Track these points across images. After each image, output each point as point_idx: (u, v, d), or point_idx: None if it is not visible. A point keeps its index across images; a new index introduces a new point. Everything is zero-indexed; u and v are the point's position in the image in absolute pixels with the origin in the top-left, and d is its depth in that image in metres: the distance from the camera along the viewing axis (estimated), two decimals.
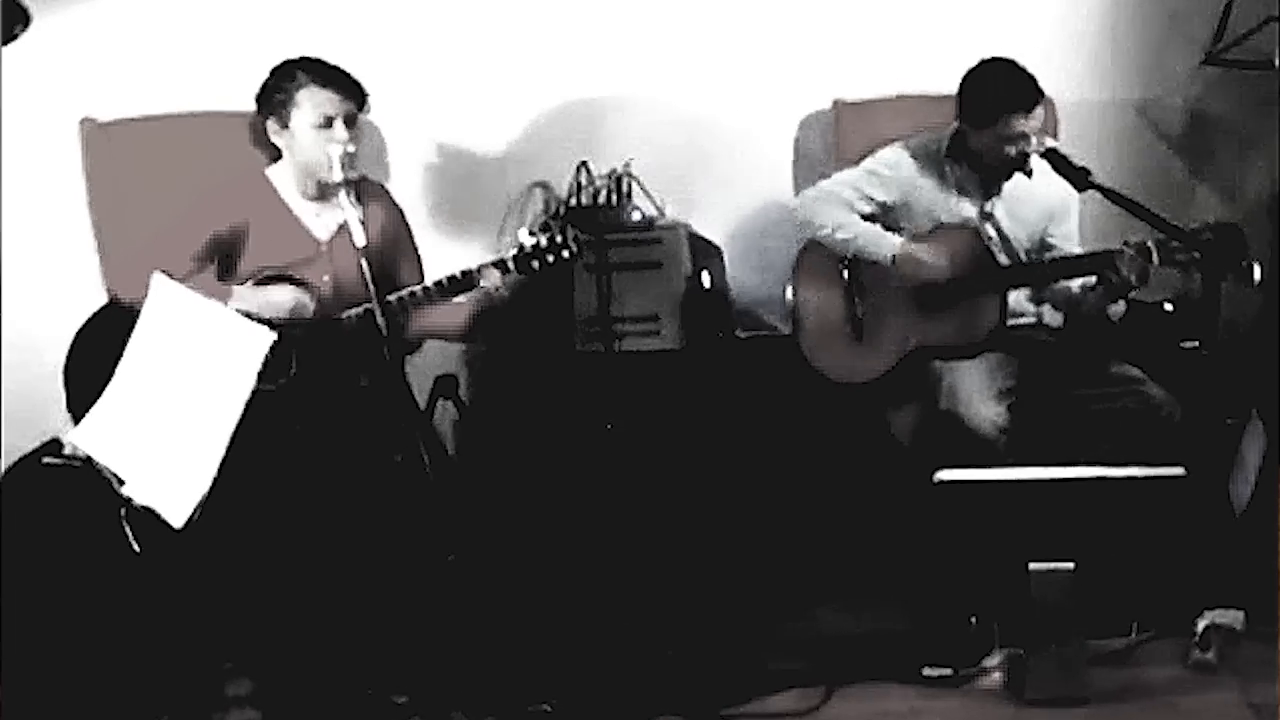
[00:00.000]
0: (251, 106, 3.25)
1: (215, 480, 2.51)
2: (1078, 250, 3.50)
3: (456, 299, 3.16)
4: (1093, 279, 3.36)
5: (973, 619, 3.13)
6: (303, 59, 3.19)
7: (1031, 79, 3.34)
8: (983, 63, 3.42)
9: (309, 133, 3.12)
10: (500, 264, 3.09)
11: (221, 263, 3.20)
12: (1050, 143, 3.34)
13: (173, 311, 2.68)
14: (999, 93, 3.35)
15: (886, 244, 3.46)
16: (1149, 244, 3.23)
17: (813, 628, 3.39)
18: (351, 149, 3.09)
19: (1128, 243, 3.25)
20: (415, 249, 3.41)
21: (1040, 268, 3.51)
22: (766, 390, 3.73)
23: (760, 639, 3.32)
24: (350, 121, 3.14)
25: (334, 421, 3.09)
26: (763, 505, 3.65)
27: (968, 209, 3.51)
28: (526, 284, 3.18)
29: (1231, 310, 3.31)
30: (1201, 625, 3.18)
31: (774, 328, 3.92)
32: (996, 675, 3.10)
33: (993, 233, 3.50)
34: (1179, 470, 3.00)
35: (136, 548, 2.77)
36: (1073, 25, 4.09)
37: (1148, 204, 3.24)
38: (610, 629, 3.26)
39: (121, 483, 2.63)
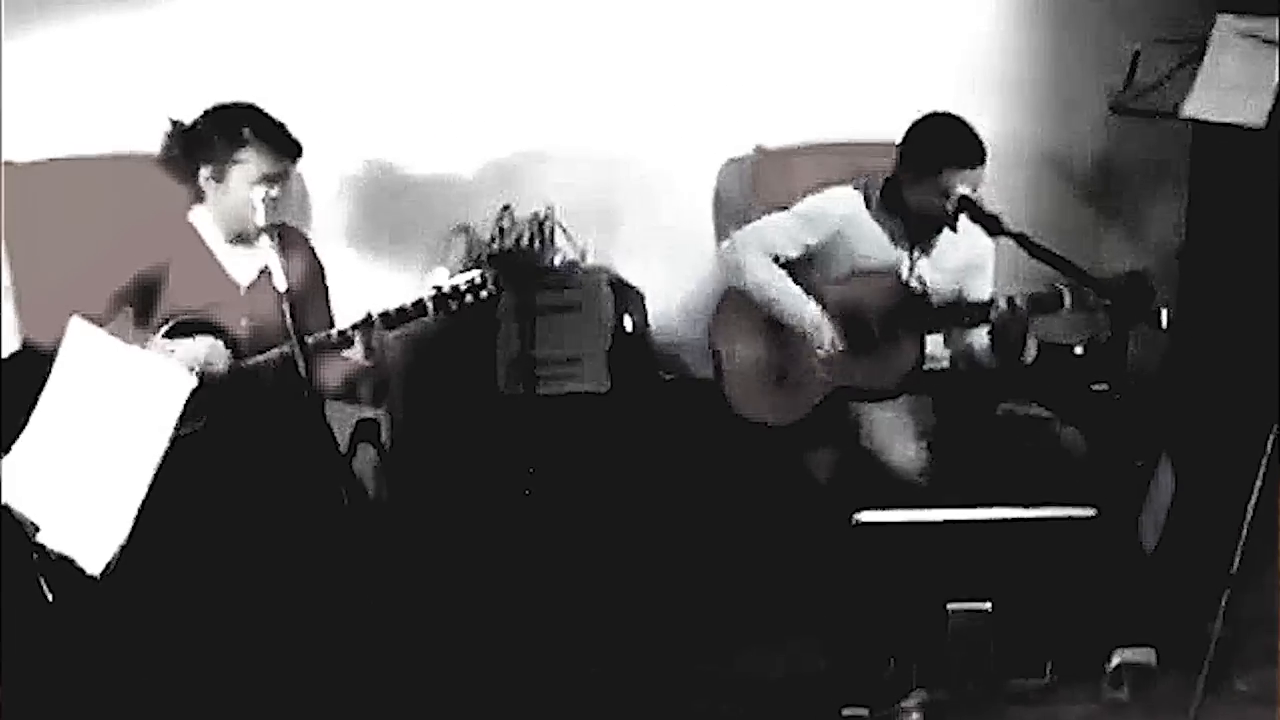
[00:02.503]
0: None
1: (133, 527, 2.48)
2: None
3: (347, 352, 3.13)
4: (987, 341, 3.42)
5: (891, 660, 3.16)
6: (245, 108, 3.14)
7: (978, 138, 3.39)
8: (931, 115, 3.46)
9: (244, 189, 3.09)
10: (418, 305, 3.08)
11: (140, 305, 3.17)
12: (964, 189, 3.38)
13: (90, 355, 2.65)
14: (947, 145, 3.39)
15: (807, 313, 3.47)
16: (1062, 291, 3.28)
17: (735, 669, 3.40)
18: (275, 194, 3.08)
19: (1010, 298, 3.31)
20: (328, 297, 3.38)
21: (938, 313, 3.54)
22: (688, 432, 3.76)
23: (683, 680, 3.33)
24: (286, 178, 3.14)
25: (254, 466, 3.06)
26: (684, 547, 3.67)
27: (893, 257, 3.54)
28: (449, 329, 3.18)
29: (1140, 353, 3.39)
30: (1114, 663, 3.24)
31: (695, 370, 3.95)
32: (915, 716, 3.13)
33: (914, 282, 3.54)
34: (1090, 511, 3.06)
35: (50, 596, 2.73)
36: (985, 76, 4.20)
37: (1059, 250, 3.31)
38: (536, 673, 3.26)
39: (36, 529, 2.59)
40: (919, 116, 3.47)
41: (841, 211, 3.55)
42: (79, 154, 3.60)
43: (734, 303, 3.61)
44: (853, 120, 3.98)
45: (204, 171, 3.15)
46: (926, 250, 3.54)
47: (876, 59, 4.13)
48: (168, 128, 3.18)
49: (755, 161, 4.03)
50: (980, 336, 3.50)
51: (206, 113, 3.17)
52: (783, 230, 3.55)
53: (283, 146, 3.12)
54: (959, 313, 3.53)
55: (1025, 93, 4.26)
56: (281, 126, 3.14)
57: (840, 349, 3.45)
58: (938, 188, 3.38)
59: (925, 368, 3.51)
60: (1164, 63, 3.93)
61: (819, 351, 3.46)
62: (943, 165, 3.36)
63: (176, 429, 2.48)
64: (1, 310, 3.51)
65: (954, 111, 3.43)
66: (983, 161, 3.37)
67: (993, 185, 3.62)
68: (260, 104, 3.17)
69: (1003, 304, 3.33)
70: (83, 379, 2.64)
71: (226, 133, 3.12)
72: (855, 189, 3.57)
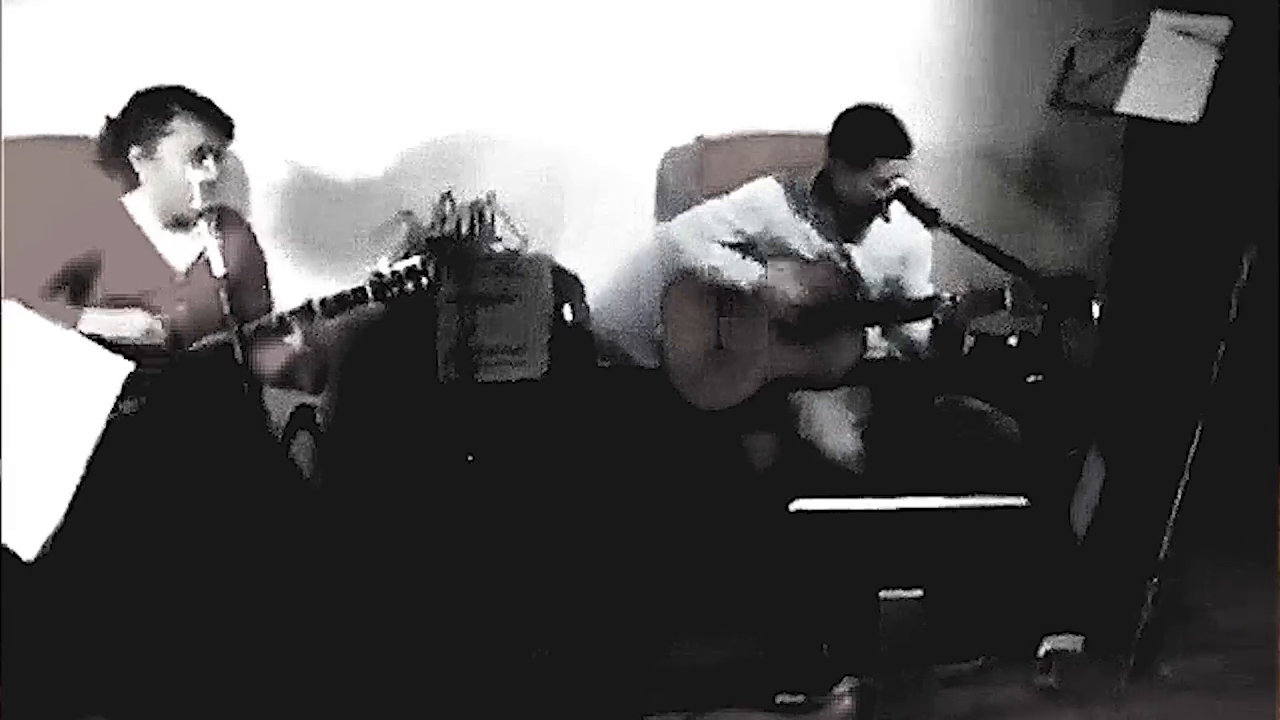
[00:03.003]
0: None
1: (66, 513, 2.47)
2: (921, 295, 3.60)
3: (287, 339, 3.13)
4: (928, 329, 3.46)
5: (825, 646, 3.19)
6: (174, 88, 3.13)
7: (901, 127, 3.42)
8: (858, 106, 3.49)
9: (177, 164, 3.07)
10: (359, 292, 3.08)
11: (73, 290, 3.14)
12: (902, 182, 3.41)
13: (24, 340, 2.63)
14: (875, 136, 3.42)
15: (751, 271, 3.52)
16: (1003, 289, 3.31)
17: (673, 656, 3.42)
18: (212, 177, 3.06)
19: (953, 295, 3.35)
20: (267, 280, 3.37)
21: (879, 307, 3.59)
22: (627, 420, 3.78)
23: (621, 668, 3.35)
24: (218, 155, 3.11)
25: (191, 453, 3.05)
26: (621, 534, 3.68)
27: (826, 247, 3.58)
28: (388, 315, 3.18)
29: (1072, 344, 3.44)
30: (1043, 650, 3.29)
31: (634, 358, 3.97)
32: (848, 701, 3.17)
33: (847, 271, 3.57)
34: (1022, 500, 3.10)
35: None
36: (925, 70, 4.23)
37: (996, 244, 3.35)
38: (473, 661, 3.27)
39: None
40: (846, 108, 3.50)
41: (773, 200, 3.58)
42: (12, 136, 3.54)
43: (682, 287, 3.63)
44: (794, 110, 3.99)
45: (134, 151, 3.12)
46: (857, 240, 3.58)
47: (818, 50, 4.15)
48: (101, 126, 3.15)
49: (697, 151, 4.04)
50: (919, 329, 3.54)
51: (133, 97, 3.15)
52: (718, 217, 3.60)
53: (212, 119, 3.11)
54: (899, 308, 3.56)
55: (963, 86, 4.29)
56: (209, 101, 3.12)
57: (801, 289, 3.47)
58: (867, 178, 3.42)
59: (864, 357, 3.54)
60: (1100, 57, 3.98)
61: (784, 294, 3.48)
62: (870, 154, 3.40)
63: (114, 414, 2.48)
64: None
65: (885, 103, 3.47)
66: (909, 151, 3.41)
67: (930, 178, 3.67)
68: (196, 86, 3.15)
69: (946, 301, 3.36)
70: (17, 364, 2.62)
71: (154, 110, 3.10)
72: (781, 180, 3.60)
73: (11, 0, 3.59)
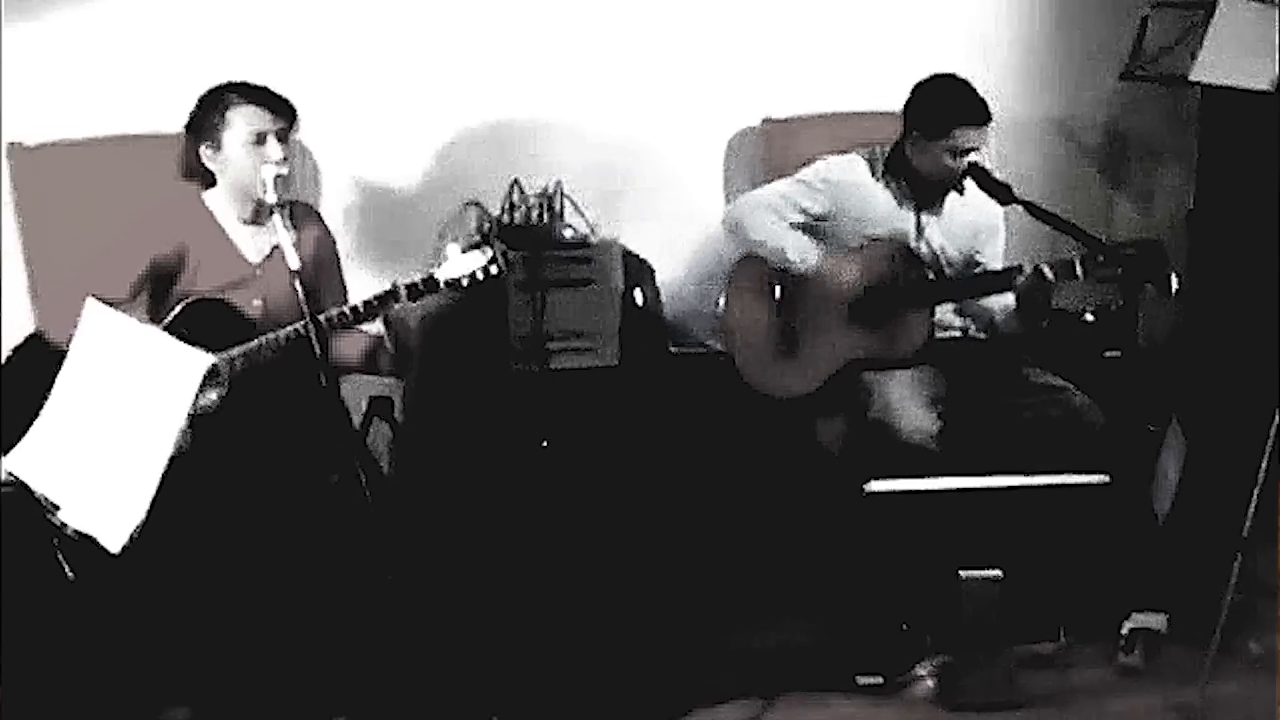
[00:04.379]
0: (179, 128, 3.24)
1: (151, 505, 2.51)
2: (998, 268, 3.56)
3: (363, 326, 3.16)
4: (1012, 304, 3.43)
5: (904, 627, 3.18)
6: (229, 82, 3.19)
7: (978, 95, 3.40)
8: (935, 76, 3.47)
9: (241, 151, 3.12)
10: (429, 280, 3.10)
11: (155, 288, 3.19)
12: (973, 158, 3.40)
13: (106, 336, 2.67)
14: (953, 105, 3.40)
15: (811, 255, 3.50)
16: (1072, 260, 3.29)
17: (749, 639, 3.42)
18: (284, 171, 3.10)
19: (1047, 260, 3.31)
20: (341, 274, 3.41)
21: (959, 283, 3.56)
22: (700, 406, 3.77)
23: (697, 652, 3.35)
24: (282, 138, 3.15)
25: (270, 444, 3.09)
26: (697, 520, 3.68)
27: (901, 223, 3.55)
28: (461, 303, 3.19)
29: (1150, 320, 3.40)
30: (1126, 629, 3.26)
31: (706, 344, 3.96)
32: (928, 682, 3.16)
33: (924, 248, 3.54)
34: (1103, 477, 3.07)
35: (71, 574, 2.76)
36: (995, 45, 4.19)
37: (1069, 219, 3.32)
38: (550, 645, 3.28)
39: (56, 509, 2.62)
40: (923, 78, 3.48)
41: (844, 178, 3.56)
42: (90, 136, 3.59)
43: (746, 274, 3.62)
44: (861, 90, 3.97)
45: (205, 151, 3.18)
46: (934, 214, 3.55)
47: (884, 28, 4.12)
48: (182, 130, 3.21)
49: (763, 132, 4.03)
50: (997, 304, 3.50)
51: (198, 100, 3.21)
52: (784, 196, 3.58)
53: (269, 102, 3.15)
54: (975, 283, 3.53)
55: (1033, 61, 4.24)
56: (263, 88, 3.17)
57: (859, 278, 3.46)
58: (944, 148, 3.40)
59: (936, 336, 3.52)
60: (1172, 28, 3.93)
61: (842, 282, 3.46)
62: (949, 125, 3.38)
63: (193, 407, 2.51)
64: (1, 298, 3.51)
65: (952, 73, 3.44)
66: (988, 120, 3.39)
67: (1003, 154, 3.63)
68: (267, 83, 3.19)
69: (1029, 270, 3.33)
70: (99, 359, 2.67)
71: (215, 105, 3.16)
72: (858, 155, 3.58)
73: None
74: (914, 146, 3.48)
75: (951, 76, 3.45)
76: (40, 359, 2.83)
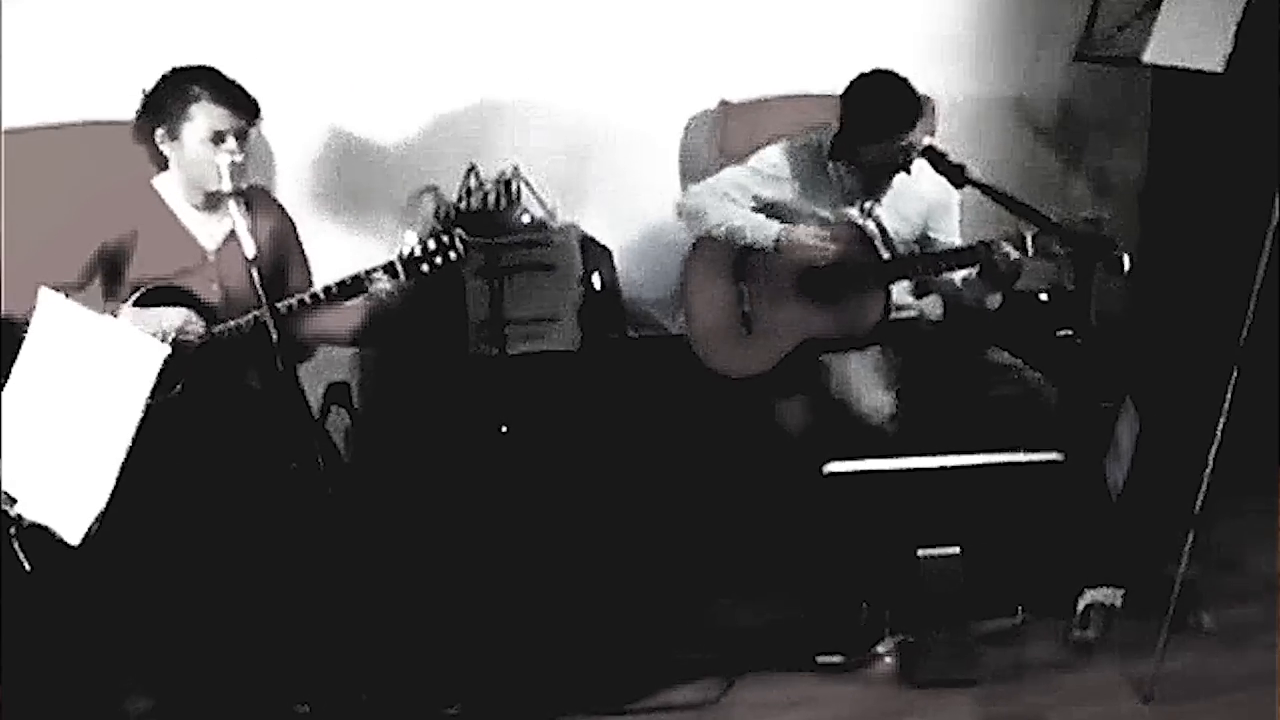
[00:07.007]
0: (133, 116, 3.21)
1: (111, 495, 2.50)
2: (958, 244, 3.59)
3: (346, 304, 3.15)
4: (974, 272, 3.45)
5: (864, 606, 3.21)
6: (199, 69, 3.13)
7: (913, 94, 3.39)
8: (863, 76, 3.44)
9: (200, 147, 3.08)
10: (389, 267, 3.09)
11: (108, 274, 3.16)
12: (927, 140, 3.40)
13: (62, 326, 2.65)
14: (882, 111, 3.39)
15: (771, 229, 3.51)
16: (1024, 235, 3.32)
17: (710, 620, 3.44)
18: (239, 159, 3.07)
19: (1008, 235, 3.34)
20: (304, 255, 3.38)
21: (920, 260, 3.58)
22: (658, 388, 3.78)
23: (659, 632, 3.37)
24: (241, 136, 3.11)
25: (228, 431, 3.08)
26: (657, 502, 3.70)
27: (850, 207, 3.57)
28: (418, 288, 3.18)
29: (1103, 299, 3.43)
30: (1082, 604, 3.30)
31: (664, 327, 3.98)
32: (889, 660, 3.19)
33: (874, 229, 3.56)
34: (1057, 455, 3.10)
35: (28, 566, 2.74)
36: (948, 25, 4.20)
37: (1022, 198, 3.34)
38: (510, 628, 3.29)
39: (13, 501, 2.60)
40: (856, 76, 3.46)
41: (795, 162, 3.57)
42: (43, 123, 3.56)
43: (703, 255, 3.63)
44: (817, 72, 3.97)
45: (159, 133, 3.13)
46: (883, 194, 3.56)
47: (840, 10, 4.13)
48: (138, 104, 3.17)
49: (720, 115, 4.03)
50: (960, 279, 3.53)
51: (163, 77, 3.15)
52: (736, 183, 3.58)
53: (235, 102, 3.11)
54: (928, 260, 3.55)
55: (989, 39, 4.26)
56: (234, 84, 3.12)
57: (824, 244, 3.47)
58: (887, 144, 3.40)
59: (892, 317, 3.54)
60: (1125, 9, 3.96)
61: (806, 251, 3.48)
62: (883, 131, 3.39)
63: (151, 396, 2.50)
64: None
65: (895, 67, 3.43)
66: (921, 116, 3.39)
67: (957, 135, 3.65)
68: (221, 67, 3.16)
69: (972, 249, 3.35)
70: (55, 350, 2.64)
71: (178, 92, 3.10)
72: (810, 138, 3.59)
73: None
74: (857, 138, 3.48)
75: (880, 73, 3.43)
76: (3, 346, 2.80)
